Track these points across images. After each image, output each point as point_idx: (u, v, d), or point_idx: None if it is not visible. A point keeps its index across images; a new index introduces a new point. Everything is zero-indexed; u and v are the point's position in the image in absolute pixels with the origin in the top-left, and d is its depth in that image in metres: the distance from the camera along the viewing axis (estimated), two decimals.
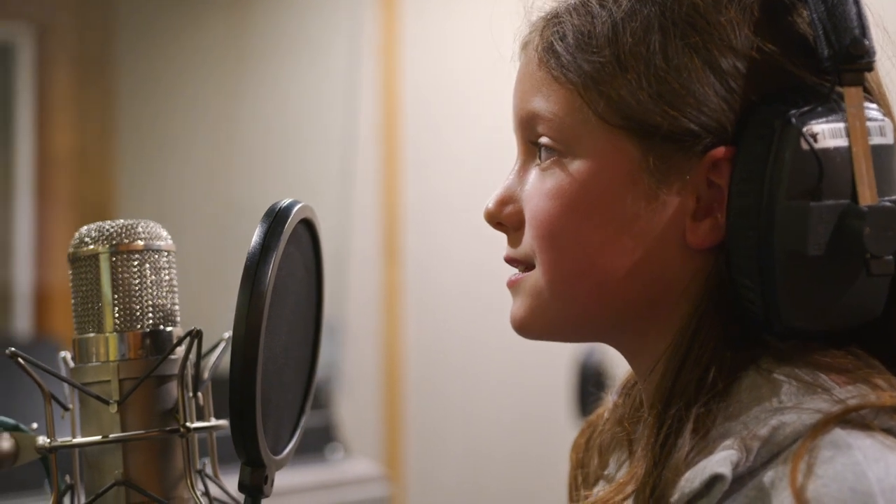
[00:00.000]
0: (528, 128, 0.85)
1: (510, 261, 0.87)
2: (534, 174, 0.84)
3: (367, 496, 2.06)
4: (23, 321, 3.60)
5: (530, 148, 0.85)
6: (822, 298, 0.77)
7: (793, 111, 0.76)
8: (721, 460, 0.73)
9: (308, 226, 0.85)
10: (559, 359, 2.92)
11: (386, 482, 2.18)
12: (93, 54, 3.71)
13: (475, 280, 3.29)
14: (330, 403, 2.34)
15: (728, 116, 0.78)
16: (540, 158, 0.84)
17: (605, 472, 0.91)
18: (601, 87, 0.80)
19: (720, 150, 0.79)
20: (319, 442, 2.12)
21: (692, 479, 0.74)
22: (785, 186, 0.75)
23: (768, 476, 0.73)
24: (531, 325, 0.86)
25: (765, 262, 0.76)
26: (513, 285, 0.87)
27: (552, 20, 0.84)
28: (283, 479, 1.98)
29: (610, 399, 0.94)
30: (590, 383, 2.68)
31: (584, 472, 0.93)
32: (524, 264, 0.86)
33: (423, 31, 3.40)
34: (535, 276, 0.84)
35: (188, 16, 3.70)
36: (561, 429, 3.02)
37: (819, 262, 0.76)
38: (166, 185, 3.70)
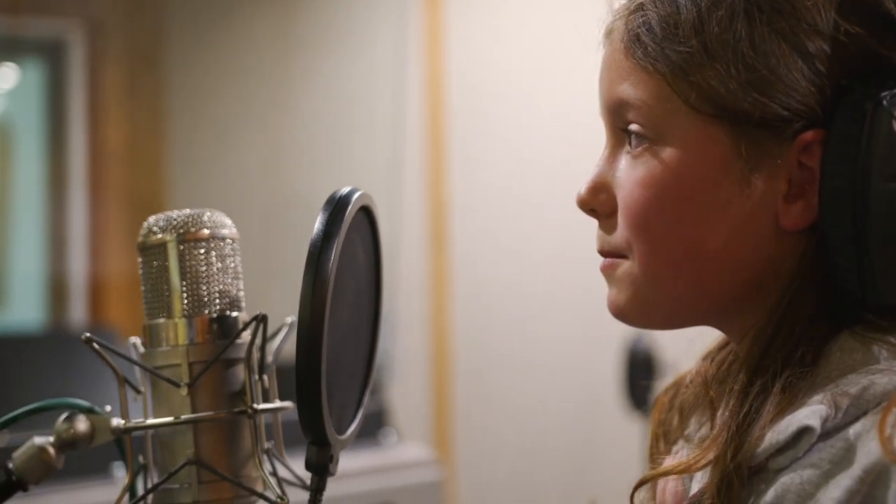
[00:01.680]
0: (616, 114, 0.86)
1: (605, 253, 0.88)
2: (625, 161, 0.85)
3: (420, 480, 2.09)
4: (78, 311, 3.66)
5: (619, 134, 0.86)
6: None
7: (884, 93, 0.77)
8: (810, 413, 0.75)
9: (367, 213, 0.88)
10: (608, 345, 2.93)
11: (439, 466, 2.21)
12: (143, 49, 3.76)
13: (521, 268, 3.31)
14: (382, 389, 2.37)
15: (817, 99, 0.79)
16: (630, 145, 0.85)
17: (686, 432, 0.92)
18: (690, 77, 0.81)
19: (811, 133, 0.80)
20: (373, 426, 2.15)
21: (779, 430, 0.76)
22: (878, 168, 0.77)
23: (856, 428, 0.75)
24: (631, 313, 0.87)
25: (861, 241, 0.78)
26: (607, 270, 0.88)
27: (636, 10, 0.84)
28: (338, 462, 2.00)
29: (697, 362, 0.96)
30: (639, 370, 2.69)
31: (664, 430, 0.95)
32: (618, 256, 0.87)
33: (468, 21, 3.41)
34: (631, 265, 0.85)
35: (237, 10, 3.74)
36: (610, 415, 3.04)
37: None
38: (216, 178, 3.74)
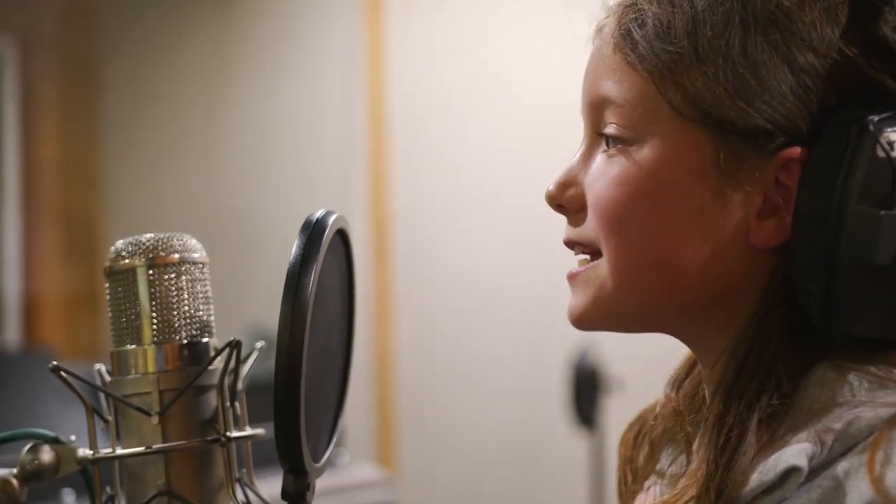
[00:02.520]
0: (597, 112, 0.85)
1: (570, 243, 0.87)
2: (599, 159, 0.84)
3: (374, 500, 2.07)
4: (12, 331, 3.59)
5: (596, 135, 0.85)
6: (886, 307, 0.77)
7: (871, 117, 0.76)
8: (797, 452, 0.73)
9: (342, 236, 0.87)
10: (553, 359, 2.93)
11: (390, 486, 2.19)
12: (79, 65, 3.71)
13: (466, 283, 3.30)
14: None
15: (803, 117, 0.78)
16: (607, 145, 0.84)
17: (658, 467, 0.91)
18: (677, 78, 0.80)
19: (793, 151, 0.78)
20: None
21: (765, 471, 0.74)
22: (857, 192, 0.75)
23: (843, 466, 0.73)
24: (591, 316, 0.85)
25: (830, 266, 0.76)
26: (574, 278, 0.86)
27: (631, 6, 0.83)
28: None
29: (664, 391, 0.94)
30: (584, 386, 2.70)
31: (633, 467, 0.93)
32: (585, 247, 0.86)
33: (409, 35, 3.41)
34: (601, 265, 0.84)
35: (173, 25, 3.70)
36: (556, 431, 3.04)
37: (885, 270, 0.76)
38: (154, 195, 3.70)
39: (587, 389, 2.68)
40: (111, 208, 3.74)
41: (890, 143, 0.76)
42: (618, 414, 2.48)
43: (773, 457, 0.75)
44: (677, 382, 0.90)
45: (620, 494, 0.93)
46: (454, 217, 3.32)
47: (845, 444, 0.74)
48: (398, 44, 3.41)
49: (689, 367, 0.91)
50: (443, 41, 3.38)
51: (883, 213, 0.75)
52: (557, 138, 0.89)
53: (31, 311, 3.59)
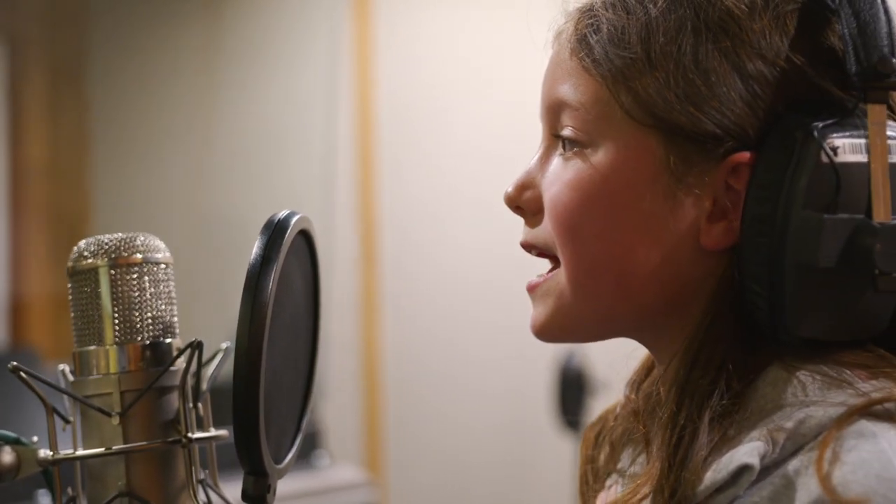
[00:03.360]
0: (554, 115, 0.86)
1: (527, 245, 0.88)
2: (556, 162, 0.86)
3: (352, 502, 2.07)
4: None
5: (554, 137, 0.86)
6: (828, 310, 0.78)
7: (816, 123, 0.77)
8: (749, 451, 0.74)
9: (305, 236, 0.86)
10: (539, 362, 2.93)
11: (372, 488, 2.19)
12: (65, 65, 3.70)
13: (453, 285, 3.30)
14: (314, 411, 2.35)
15: (751, 122, 0.80)
16: (563, 148, 0.85)
17: (619, 466, 0.92)
18: (630, 83, 0.81)
19: (741, 155, 0.80)
20: (305, 449, 2.13)
21: (718, 470, 0.75)
22: (801, 197, 0.77)
23: (793, 465, 0.74)
24: (553, 327, 0.86)
25: (775, 269, 0.77)
26: (533, 289, 0.87)
27: (587, 12, 0.85)
28: None
29: (622, 393, 0.95)
30: (571, 388, 2.69)
31: (594, 467, 0.94)
32: (541, 250, 0.87)
33: (396, 35, 3.41)
34: (559, 275, 0.85)
35: (160, 25, 3.70)
36: (542, 431, 3.04)
37: (828, 274, 0.77)
38: (142, 195, 3.69)
39: (573, 392, 2.68)
40: (99, 208, 3.73)
41: (833, 149, 0.77)
42: None
43: (726, 455, 0.75)
44: (637, 383, 0.91)
45: (582, 494, 0.94)
46: (441, 219, 3.32)
47: (796, 443, 0.75)
48: (385, 46, 3.41)
49: (648, 368, 0.92)
50: (430, 43, 3.38)
51: (826, 217, 0.76)
52: (541, 126, 0.90)
53: (17, 311, 3.58)
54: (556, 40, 0.87)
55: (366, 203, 3.39)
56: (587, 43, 0.83)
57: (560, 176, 0.84)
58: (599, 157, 0.83)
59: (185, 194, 3.67)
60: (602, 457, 0.95)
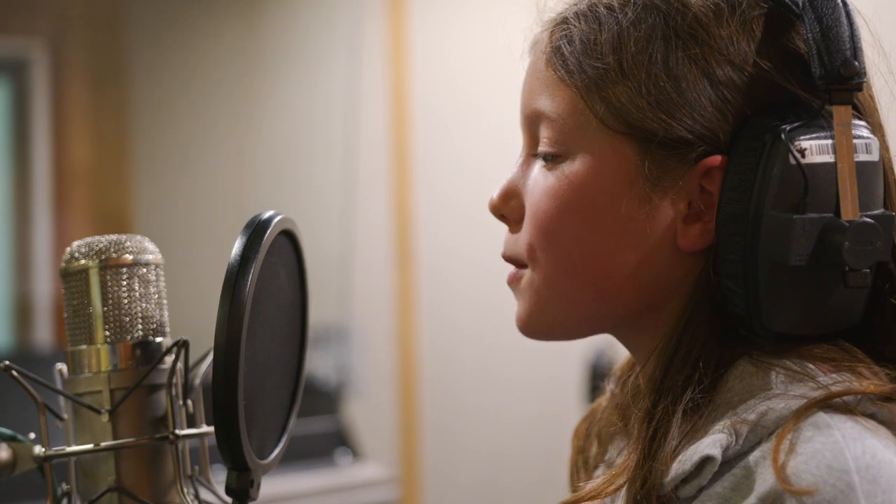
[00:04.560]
0: (532, 125, 0.88)
1: (507, 258, 0.91)
2: (536, 169, 0.88)
3: (375, 499, 2.09)
4: (43, 332, 3.64)
5: (534, 144, 0.88)
6: (801, 306, 0.80)
7: (783, 126, 0.79)
8: (711, 443, 0.76)
9: (289, 237, 0.88)
10: (572, 358, 2.93)
11: (394, 485, 2.21)
12: (106, 68, 3.76)
13: (488, 282, 3.31)
14: (339, 408, 2.37)
15: (722, 126, 0.81)
16: (543, 157, 0.87)
17: (607, 458, 0.94)
18: (602, 92, 0.83)
19: (713, 159, 0.82)
20: (329, 446, 2.15)
21: (684, 461, 0.77)
22: (771, 198, 0.79)
23: (754, 456, 0.76)
24: (535, 326, 0.89)
25: (749, 268, 0.80)
26: (512, 282, 0.90)
27: (561, 23, 0.87)
28: (292, 483, 2.01)
29: (607, 387, 0.97)
30: (600, 383, 2.70)
31: (584, 458, 0.97)
32: (519, 263, 0.89)
33: (430, 33, 3.42)
34: (531, 274, 0.87)
35: (199, 26, 3.74)
36: (571, 425, 3.04)
37: (800, 271, 0.79)
38: (183, 197, 3.74)
39: (603, 388, 2.68)
40: (141, 209, 3.78)
41: (801, 151, 0.79)
42: None
43: (691, 448, 0.78)
44: (621, 378, 0.93)
45: (573, 484, 0.96)
46: (476, 217, 3.32)
47: (758, 435, 0.77)
48: (419, 45, 3.42)
49: (632, 364, 0.93)
50: (464, 41, 3.39)
51: (795, 217, 0.78)
52: (522, 134, 0.92)
53: (61, 312, 3.64)
54: (533, 49, 0.89)
55: (401, 202, 3.40)
56: (561, 53, 0.85)
57: (540, 184, 0.86)
58: (576, 165, 0.84)
59: (227, 195, 3.71)
60: (592, 448, 0.97)
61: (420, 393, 3.35)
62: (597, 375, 2.69)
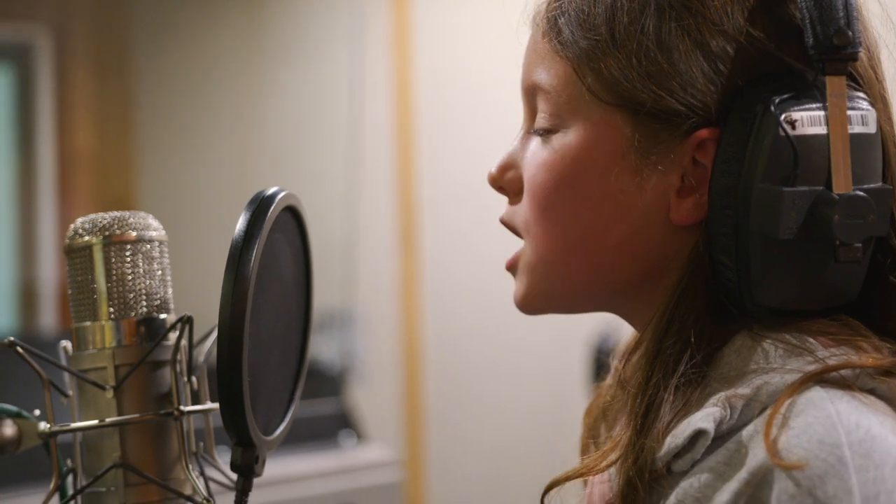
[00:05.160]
0: (531, 97, 0.88)
1: (504, 223, 0.91)
2: (534, 142, 0.88)
3: (380, 481, 2.09)
4: (48, 317, 3.64)
5: (534, 117, 0.88)
6: (792, 280, 0.79)
7: (774, 97, 0.78)
8: (704, 416, 0.76)
9: (294, 213, 0.88)
10: (576, 344, 2.93)
11: (398, 467, 2.21)
12: (110, 54, 3.75)
13: (492, 268, 3.30)
14: (343, 391, 2.37)
15: (714, 98, 0.80)
16: (539, 133, 0.87)
17: (614, 434, 0.93)
18: (594, 64, 0.83)
19: (705, 131, 0.81)
20: (333, 429, 2.15)
21: (677, 435, 0.77)
22: (761, 170, 0.78)
23: (748, 430, 0.75)
24: (530, 301, 0.89)
25: (740, 241, 0.79)
26: (511, 266, 0.90)
27: None
28: (296, 465, 2.01)
29: (612, 363, 0.97)
30: (604, 368, 2.69)
31: (594, 435, 0.96)
32: (516, 229, 0.89)
33: (435, 20, 3.41)
34: (527, 250, 0.88)
35: (203, 14, 3.73)
36: (577, 413, 3.04)
37: (790, 245, 0.78)
38: (187, 183, 3.74)
39: (607, 373, 2.68)
40: (144, 196, 3.78)
41: (791, 122, 0.78)
42: None
43: (684, 422, 0.77)
44: (625, 355, 0.92)
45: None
46: (480, 205, 3.32)
47: (752, 409, 0.76)
48: (424, 34, 3.41)
49: (637, 341, 0.92)
50: (469, 31, 3.38)
51: (785, 189, 0.77)
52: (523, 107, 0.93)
53: (66, 297, 3.64)
54: (532, 23, 0.89)
55: (405, 189, 3.40)
56: (556, 26, 0.85)
57: (536, 156, 0.86)
58: (570, 137, 0.84)
59: (230, 182, 3.71)
60: (602, 427, 0.96)
61: (424, 378, 3.35)
62: (601, 358, 2.68)
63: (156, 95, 3.78)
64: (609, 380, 0.97)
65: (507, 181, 0.90)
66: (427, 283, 3.38)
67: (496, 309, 3.29)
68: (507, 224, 0.90)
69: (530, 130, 0.89)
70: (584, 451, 0.98)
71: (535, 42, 0.88)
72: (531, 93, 0.88)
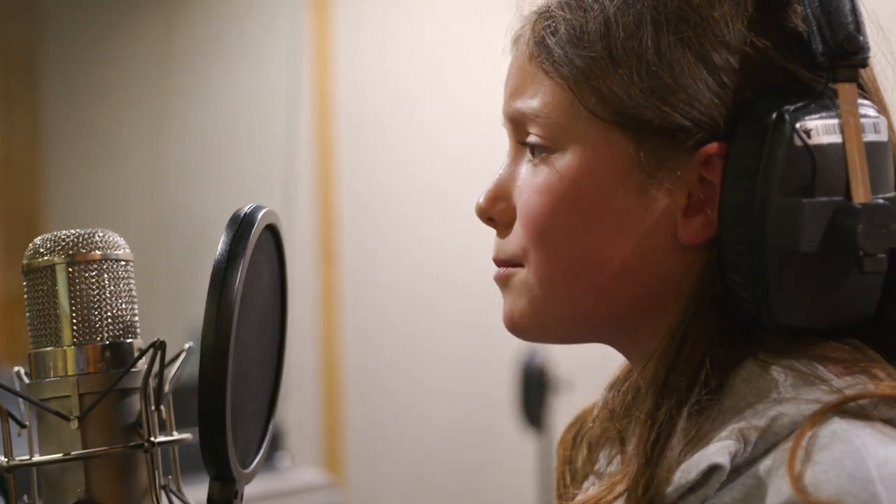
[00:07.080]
0: (517, 124, 0.84)
1: (499, 262, 0.86)
2: (525, 169, 0.84)
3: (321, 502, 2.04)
4: None
5: (520, 144, 0.85)
6: (814, 296, 0.77)
7: (786, 107, 0.76)
8: (719, 450, 0.73)
9: (272, 231, 0.83)
10: (500, 358, 2.91)
11: (335, 489, 2.16)
12: (18, 57, 3.64)
13: (413, 282, 3.27)
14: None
15: (720, 112, 0.78)
16: (532, 154, 0.83)
17: (596, 468, 0.90)
18: (593, 82, 0.79)
19: (712, 146, 0.78)
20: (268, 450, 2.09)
21: (688, 470, 0.73)
22: (778, 183, 0.75)
23: (765, 464, 0.72)
24: (527, 327, 0.85)
25: (757, 258, 0.76)
26: (501, 280, 0.86)
27: (544, 14, 0.83)
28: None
29: (602, 394, 0.93)
30: (533, 386, 2.68)
31: (571, 468, 0.93)
32: (514, 264, 0.85)
33: (357, 32, 3.38)
34: (525, 274, 0.83)
35: (118, 17, 3.64)
36: (504, 432, 3.02)
37: (811, 259, 0.75)
38: (97, 191, 3.64)
39: (535, 390, 2.67)
40: (53, 204, 3.67)
41: (807, 132, 0.75)
42: (566, 415, 2.47)
43: (696, 455, 0.74)
44: (616, 385, 0.89)
45: (560, 496, 0.93)
46: (402, 216, 3.29)
47: (768, 442, 0.73)
48: (345, 38, 3.38)
49: (628, 371, 0.89)
50: (391, 35, 3.35)
51: (805, 200, 0.75)
52: (507, 134, 0.89)
53: None
54: (515, 45, 0.86)
55: (326, 199, 3.36)
56: (546, 46, 0.82)
57: (530, 183, 0.83)
58: (568, 160, 0.81)
59: (142, 191, 3.62)
60: (580, 458, 0.93)
61: (344, 394, 3.30)
62: (529, 376, 2.67)
63: (67, 100, 3.68)
64: (595, 409, 0.93)
65: (497, 213, 0.85)
66: (347, 296, 3.33)
67: (419, 323, 3.26)
68: (502, 260, 0.85)
69: (518, 156, 0.85)
70: (561, 481, 0.95)
71: (521, 65, 0.84)
72: (518, 120, 0.84)
